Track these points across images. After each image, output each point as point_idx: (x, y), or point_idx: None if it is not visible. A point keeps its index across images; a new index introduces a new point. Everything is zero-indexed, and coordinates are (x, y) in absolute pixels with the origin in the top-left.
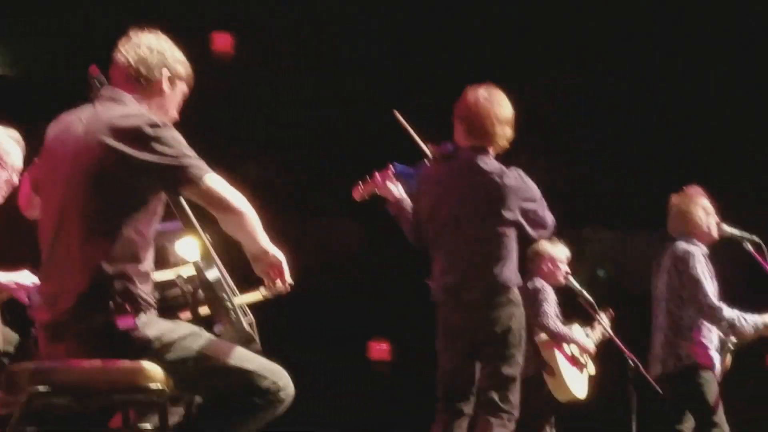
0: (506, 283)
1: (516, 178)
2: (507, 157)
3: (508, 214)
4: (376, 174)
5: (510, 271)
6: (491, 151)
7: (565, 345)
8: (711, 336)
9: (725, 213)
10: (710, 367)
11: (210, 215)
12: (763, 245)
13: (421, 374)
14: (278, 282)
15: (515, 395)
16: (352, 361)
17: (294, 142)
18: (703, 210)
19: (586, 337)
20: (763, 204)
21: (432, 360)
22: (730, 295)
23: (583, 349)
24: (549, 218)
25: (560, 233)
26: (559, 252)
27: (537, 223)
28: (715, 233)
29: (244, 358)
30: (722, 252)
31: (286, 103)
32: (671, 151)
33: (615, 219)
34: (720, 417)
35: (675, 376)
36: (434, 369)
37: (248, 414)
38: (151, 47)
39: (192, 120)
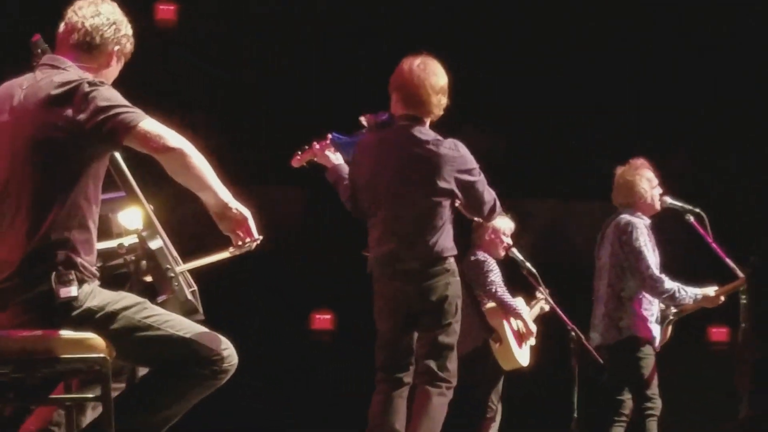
0: (442, 252)
1: (451, 148)
2: (448, 129)
3: (442, 184)
4: (315, 142)
5: (446, 240)
6: (427, 120)
7: (512, 319)
8: (651, 308)
9: (669, 185)
10: (649, 339)
11: (153, 183)
12: (705, 217)
13: (363, 344)
14: (247, 239)
15: (453, 363)
16: (294, 331)
17: (234, 110)
18: (647, 181)
19: (528, 309)
20: (705, 176)
21: (374, 330)
22: (671, 267)
23: (527, 329)
24: (488, 196)
25: (503, 205)
26: (502, 224)
27: (476, 200)
28: (658, 205)
29: (188, 328)
30: (665, 224)
31: (227, 71)
32: (616, 122)
33: (558, 190)
34: (654, 389)
35: (614, 348)
36: (375, 338)
37: (192, 384)
38: (108, 18)
39: (133, 91)
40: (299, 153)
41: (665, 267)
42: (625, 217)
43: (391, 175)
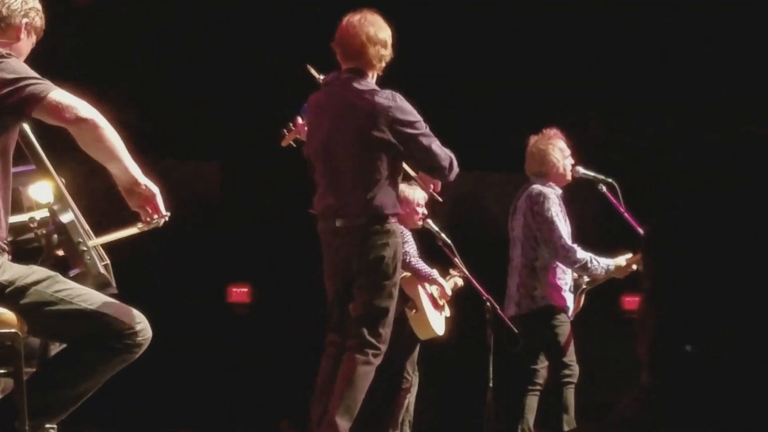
0: (381, 209)
1: (387, 98)
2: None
3: (377, 134)
4: (298, 119)
5: (385, 197)
6: (369, 73)
7: (427, 285)
8: (565, 277)
9: (581, 155)
10: (563, 308)
11: (64, 157)
12: (617, 187)
13: (279, 317)
14: (155, 215)
15: (386, 329)
16: (211, 304)
17: (151, 84)
18: (559, 151)
19: (444, 281)
20: (617, 145)
21: (290, 302)
22: (583, 237)
23: (443, 292)
24: (440, 152)
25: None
26: (416, 195)
27: (423, 156)
28: (569, 175)
29: (101, 301)
30: (577, 194)
31: (148, 47)
32: (529, 92)
33: (474, 162)
34: (571, 357)
35: (529, 317)
36: (292, 311)
37: (106, 358)
38: None
39: (50, 68)
40: (285, 132)
41: (578, 238)
42: (537, 187)
43: (328, 128)
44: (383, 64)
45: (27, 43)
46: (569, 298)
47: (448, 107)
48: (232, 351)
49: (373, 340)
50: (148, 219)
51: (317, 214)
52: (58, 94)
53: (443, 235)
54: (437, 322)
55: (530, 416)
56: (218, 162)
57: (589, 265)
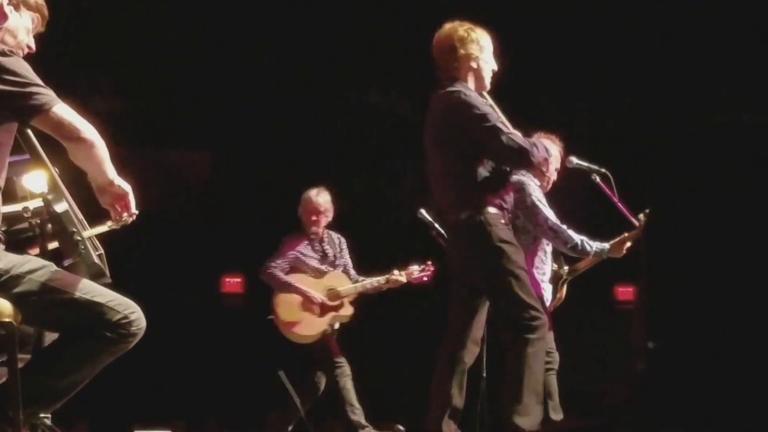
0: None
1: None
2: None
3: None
4: None
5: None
6: (457, 77)
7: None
8: (543, 267)
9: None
10: (539, 296)
11: (59, 146)
12: (610, 176)
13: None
14: (124, 213)
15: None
16: (204, 294)
17: (140, 73)
18: (553, 157)
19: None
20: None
21: None
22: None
23: (308, 299)
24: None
25: (406, 168)
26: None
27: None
28: (550, 181)
29: (94, 291)
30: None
31: (140, 36)
32: (528, 86)
33: None
34: (551, 344)
35: None
36: None
37: (99, 348)
38: None
39: (39, 54)
40: None
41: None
42: (516, 177)
43: (431, 130)
44: (467, 64)
45: (20, 20)
46: (547, 289)
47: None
48: (225, 342)
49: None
50: (117, 217)
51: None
52: (61, 109)
53: (437, 226)
54: (302, 327)
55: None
56: (209, 151)
57: (582, 246)
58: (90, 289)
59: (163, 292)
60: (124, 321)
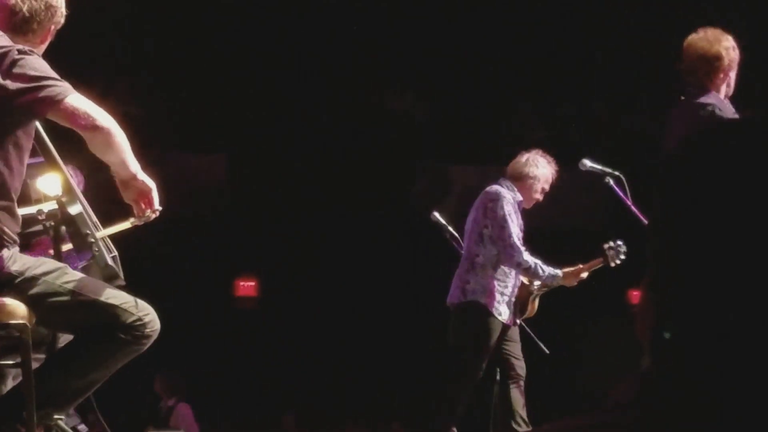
0: None
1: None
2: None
3: None
4: None
5: None
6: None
7: None
8: (506, 281)
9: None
10: (489, 311)
11: (73, 148)
12: (623, 179)
13: (286, 310)
14: (147, 210)
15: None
16: (218, 297)
17: (158, 77)
18: (544, 178)
19: None
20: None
21: (297, 297)
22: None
23: None
24: None
25: (425, 171)
26: None
27: None
28: (533, 201)
29: (109, 293)
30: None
31: (157, 40)
32: (535, 87)
33: (478, 156)
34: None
35: (457, 308)
36: (299, 305)
37: (114, 350)
38: (47, 3)
39: (56, 58)
40: None
41: (586, 231)
42: (495, 186)
43: None
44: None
45: (47, 41)
46: (502, 304)
47: (454, 102)
48: (239, 344)
49: None
50: (141, 213)
51: None
52: (75, 99)
53: (450, 228)
54: None
55: (519, 409)
56: (225, 154)
57: (534, 270)
58: (104, 292)
59: (177, 295)
60: (138, 323)
